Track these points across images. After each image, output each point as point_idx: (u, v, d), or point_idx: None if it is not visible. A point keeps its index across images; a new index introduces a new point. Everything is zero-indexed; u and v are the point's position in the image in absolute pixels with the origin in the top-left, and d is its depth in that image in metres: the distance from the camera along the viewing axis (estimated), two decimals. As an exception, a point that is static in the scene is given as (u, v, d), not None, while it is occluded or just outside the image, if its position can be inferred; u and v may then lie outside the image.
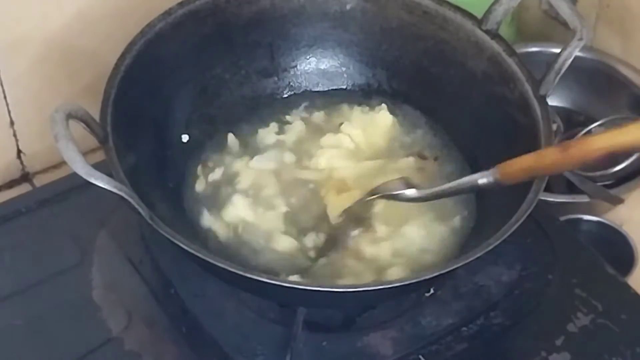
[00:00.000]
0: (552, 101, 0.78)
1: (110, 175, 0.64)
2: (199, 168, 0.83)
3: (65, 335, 0.76)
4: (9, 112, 0.90)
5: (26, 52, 0.87)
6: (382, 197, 0.76)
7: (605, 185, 0.96)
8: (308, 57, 0.89)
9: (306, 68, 0.89)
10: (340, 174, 0.82)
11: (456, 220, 0.78)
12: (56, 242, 0.82)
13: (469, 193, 0.73)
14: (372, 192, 0.76)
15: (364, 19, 0.87)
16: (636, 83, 1.03)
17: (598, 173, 0.97)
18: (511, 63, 0.79)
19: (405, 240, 0.77)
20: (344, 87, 0.90)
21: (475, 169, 0.82)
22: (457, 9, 0.83)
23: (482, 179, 0.69)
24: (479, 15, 0.82)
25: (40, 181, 0.95)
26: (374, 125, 0.86)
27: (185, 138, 0.83)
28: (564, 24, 0.78)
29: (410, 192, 0.74)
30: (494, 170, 0.68)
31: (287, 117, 0.87)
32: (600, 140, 0.61)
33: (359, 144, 0.85)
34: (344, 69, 0.90)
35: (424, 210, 0.78)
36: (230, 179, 0.82)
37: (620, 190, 0.96)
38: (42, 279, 0.79)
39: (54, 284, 0.79)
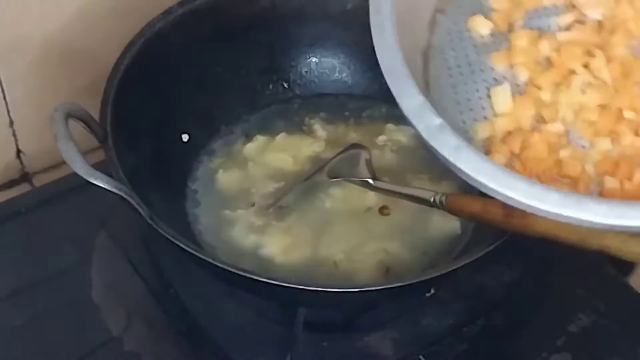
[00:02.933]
0: (552, 101, 0.78)
1: (110, 175, 0.64)
2: (199, 167, 0.83)
3: (65, 335, 0.76)
4: (9, 112, 0.90)
5: (26, 52, 0.87)
6: (337, 178, 0.78)
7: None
8: (308, 57, 0.89)
9: (306, 68, 0.89)
10: None
11: (455, 220, 0.78)
12: (56, 242, 0.82)
13: (419, 203, 0.72)
14: (332, 171, 0.78)
15: (364, 19, 0.87)
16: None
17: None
18: (512, 63, 0.79)
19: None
20: (344, 87, 0.90)
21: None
22: (458, 8, 0.83)
23: (432, 197, 0.70)
24: (480, 15, 0.82)
25: (40, 181, 0.95)
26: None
27: (185, 138, 0.83)
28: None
29: (369, 180, 0.76)
30: (444, 197, 0.69)
31: (287, 117, 0.87)
32: (543, 225, 0.61)
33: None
34: (344, 68, 0.90)
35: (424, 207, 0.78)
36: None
37: (620, 190, 0.95)
38: (42, 279, 0.79)
39: (54, 284, 0.79)
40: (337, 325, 0.78)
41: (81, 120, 0.67)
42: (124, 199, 0.64)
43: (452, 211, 0.69)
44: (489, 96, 0.66)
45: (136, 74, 0.76)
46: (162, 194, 0.77)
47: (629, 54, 0.65)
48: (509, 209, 0.62)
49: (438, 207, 0.70)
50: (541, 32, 0.67)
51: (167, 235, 0.65)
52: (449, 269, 0.66)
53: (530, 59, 0.66)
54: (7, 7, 0.83)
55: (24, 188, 0.94)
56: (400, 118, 0.86)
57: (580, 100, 0.63)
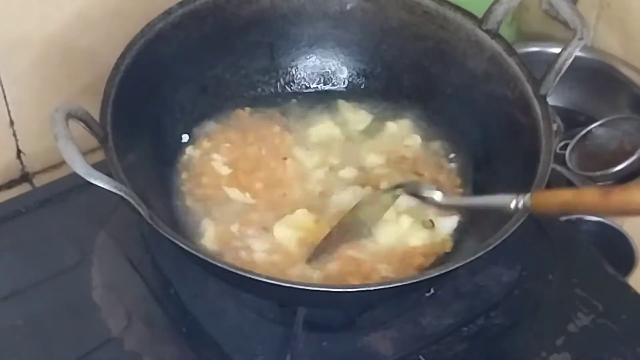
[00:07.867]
0: (552, 101, 0.78)
1: (110, 175, 0.64)
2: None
3: (65, 335, 0.76)
4: (9, 112, 0.90)
5: (26, 52, 0.87)
6: (408, 193, 0.77)
7: (605, 185, 0.96)
8: (308, 57, 0.89)
9: (306, 68, 0.89)
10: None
11: (454, 219, 0.78)
12: (56, 242, 0.82)
13: (495, 211, 0.69)
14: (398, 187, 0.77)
15: (364, 19, 0.87)
16: (636, 83, 1.03)
17: (598, 173, 0.97)
18: (511, 63, 0.79)
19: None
20: (344, 86, 0.90)
21: (476, 169, 0.83)
22: (458, 8, 0.83)
23: (513, 202, 0.66)
24: (480, 15, 0.82)
25: (40, 181, 0.95)
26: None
27: (185, 138, 0.83)
28: (564, 23, 0.78)
29: (437, 196, 0.75)
30: (527, 197, 0.65)
31: (287, 117, 0.87)
32: None
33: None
34: (344, 68, 0.90)
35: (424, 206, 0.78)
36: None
37: (620, 190, 0.95)
38: (42, 279, 0.79)
39: (54, 284, 0.79)
40: (337, 325, 0.78)
41: (81, 120, 0.67)
42: (124, 199, 0.64)
43: (538, 209, 0.65)
44: None
45: (136, 74, 0.76)
46: (162, 194, 0.77)
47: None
48: (608, 188, 0.59)
49: (521, 212, 0.66)
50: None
51: (167, 235, 0.65)
52: (449, 269, 0.66)
53: None
54: (7, 7, 0.83)
55: (24, 188, 0.94)
56: (400, 116, 0.88)
57: None
